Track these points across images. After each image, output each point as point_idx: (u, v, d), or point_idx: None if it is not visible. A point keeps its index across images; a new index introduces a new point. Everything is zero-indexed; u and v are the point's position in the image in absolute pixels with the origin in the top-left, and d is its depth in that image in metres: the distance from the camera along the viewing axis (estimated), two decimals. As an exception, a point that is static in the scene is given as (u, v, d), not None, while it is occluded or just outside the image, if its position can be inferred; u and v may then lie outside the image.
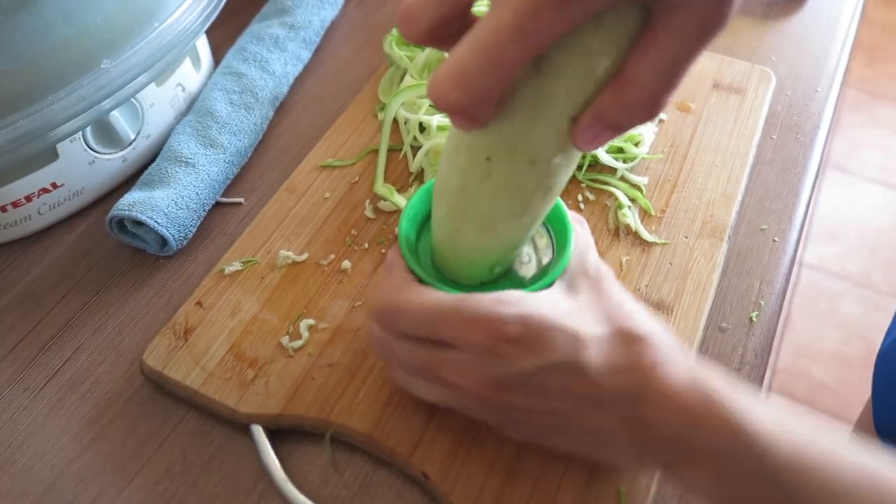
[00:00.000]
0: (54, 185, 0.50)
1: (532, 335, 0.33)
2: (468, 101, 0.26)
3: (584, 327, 0.33)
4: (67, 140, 0.48)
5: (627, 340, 0.33)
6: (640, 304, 0.36)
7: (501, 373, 0.33)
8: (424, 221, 0.42)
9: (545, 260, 0.41)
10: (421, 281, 0.37)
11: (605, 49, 0.27)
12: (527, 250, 0.41)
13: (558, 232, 0.40)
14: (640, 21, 0.27)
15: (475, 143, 0.31)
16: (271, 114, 0.58)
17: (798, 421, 0.33)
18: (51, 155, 0.48)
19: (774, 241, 0.52)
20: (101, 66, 0.47)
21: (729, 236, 0.51)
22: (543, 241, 0.41)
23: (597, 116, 0.29)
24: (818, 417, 0.34)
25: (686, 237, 0.50)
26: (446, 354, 0.35)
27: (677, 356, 0.34)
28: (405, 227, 0.40)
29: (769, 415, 0.32)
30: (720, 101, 0.59)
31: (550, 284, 0.37)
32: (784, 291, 0.50)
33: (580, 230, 0.39)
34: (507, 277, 0.40)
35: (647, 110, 0.28)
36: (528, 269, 0.40)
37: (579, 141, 0.30)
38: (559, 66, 0.28)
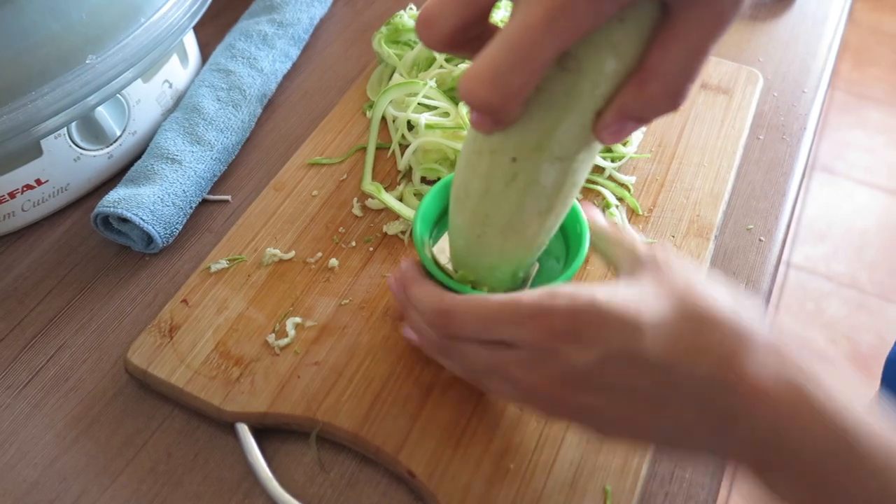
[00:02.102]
0: (38, 182, 0.49)
1: (582, 327, 0.30)
2: (500, 98, 0.26)
3: (645, 313, 0.30)
4: (52, 136, 0.48)
5: (698, 324, 0.30)
6: (712, 278, 0.33)
7: (561, 370, 0.31)
8: (434, 224, 0.42)
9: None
10: (448, 289, 0.36)
11: (628, 42, 0.28)
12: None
13: (567, 222, 0.40)
14: (659, 13, 0.27)
15: (499, 146, 0.31)
16: (259, 111, 0.58)
17: (893, 415, 0.30)
18: (35, 151, 0.48)
19: (761, 240, 0.52)
20: (87, 61, 0.46)
21: (715, 236, 0.51)
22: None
23: (622, 110, 0.29)
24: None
25: (673, 237, 0.50)
26: (507, 354, 0.33)
27: (759, 341, 0.30)
28: (420, 228, 0.40)
29: (866, 410, 0.29)
30: (708, 101, 0.59)
31: (575, 272, 0.37)
32: (770, 291, 0.50)
33: (613, 225, 0.39)
34: (531, 281, 0.40)
35: (672, 101, 0.28)
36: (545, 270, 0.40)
37: (605, 135, 0.30)
38: (584, 60, 0.28)
